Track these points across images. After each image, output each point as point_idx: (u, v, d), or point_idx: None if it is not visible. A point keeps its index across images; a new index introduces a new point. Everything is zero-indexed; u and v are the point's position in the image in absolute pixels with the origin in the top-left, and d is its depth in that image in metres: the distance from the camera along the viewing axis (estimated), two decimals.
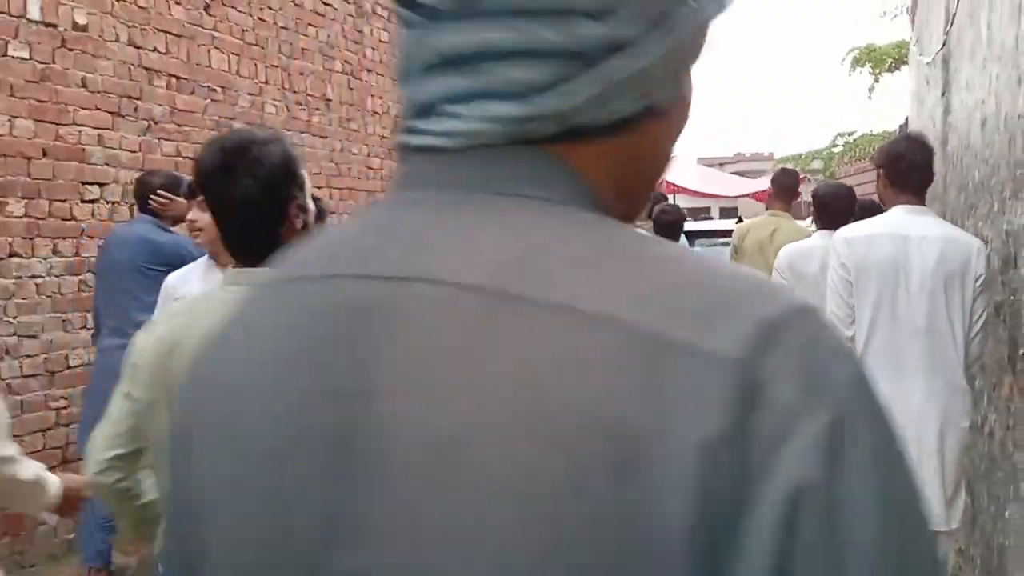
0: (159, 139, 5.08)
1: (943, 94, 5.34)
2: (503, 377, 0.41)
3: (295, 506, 0.45)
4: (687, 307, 0.41)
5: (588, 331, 0.41)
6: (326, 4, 6.84)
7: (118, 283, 3.77)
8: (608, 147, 0.49)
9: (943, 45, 5.25)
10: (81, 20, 4.54)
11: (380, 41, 7.72)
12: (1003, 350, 3.11)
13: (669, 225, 5.32)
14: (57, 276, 4.44)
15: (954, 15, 4.79)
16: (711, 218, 18.90)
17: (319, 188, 6.73)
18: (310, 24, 6.63)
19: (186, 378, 0.55)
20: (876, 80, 13.40)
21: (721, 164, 26.69)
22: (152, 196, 3.83)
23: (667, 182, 17.09)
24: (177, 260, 3.31)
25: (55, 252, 4.43)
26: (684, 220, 5.65)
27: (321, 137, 6.81)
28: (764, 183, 14.26)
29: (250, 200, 1.66)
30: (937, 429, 2.83)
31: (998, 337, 3.22)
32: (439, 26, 0.47)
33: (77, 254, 4.54)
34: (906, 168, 3.06)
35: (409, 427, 0.42)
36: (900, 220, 3.02)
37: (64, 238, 4.47)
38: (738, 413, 0.38)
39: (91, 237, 4.55)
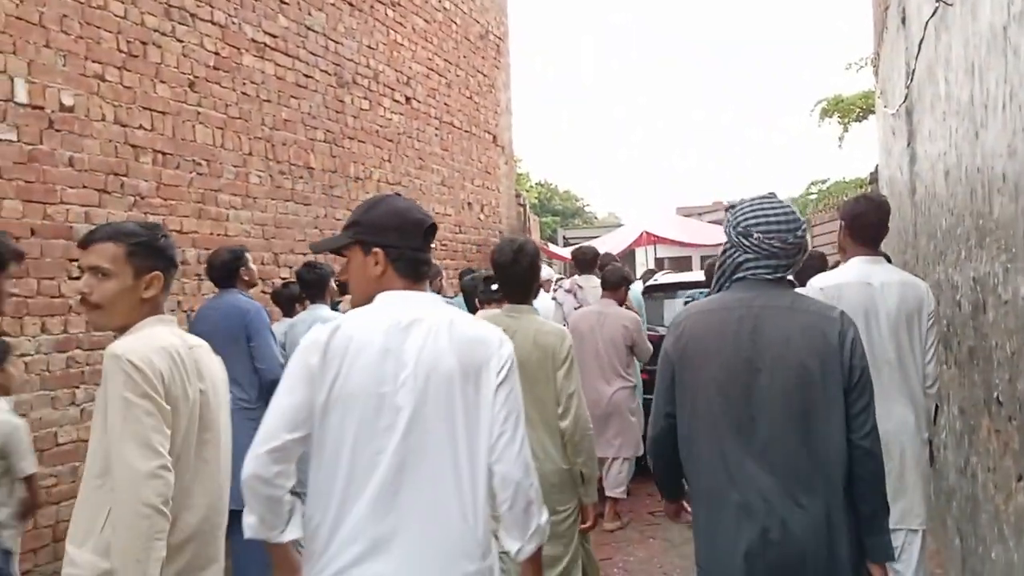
0: (145, 213, 5.16)
1: (908, 144, 5.51)
2: (797, 324, 2.24)
3: (738, 361, 2.25)
4: (824, 306, 2.33)
5: (815, 314, 2.27)
6: (307, 76, 7.00)
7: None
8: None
9: (905, 98, 5.45)
10: (68, 101, 4.64)
11: (361, 109, 7.88)
12: (979, 393, 3.20)
13: (617, 280, 6.20)
14: (46, 354, 4.46)
15: (914, 70, 4.99)
16: (690, 269, 19.07)
17: (303, 254, 6.81)
18: (292, 96, 6.78)
19: (682, 333, 2.36)
20: (845, 129, 13.74)
21: (700, 214, 27.01)
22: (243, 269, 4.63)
23: (647, 233, 17.28)
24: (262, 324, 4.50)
25: (43, 330, 4.46)
26: (630, 277, 6.69)
27: (304, 204, 6.91)
28: None
29: (523, 275, 3.38)
30: (915, 443, 3.34)
31: (973, 381, 3.31)
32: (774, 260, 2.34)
33: (65, 331, 4.57)
34: (865, 225, 3.56)
35: (773, 338, 2.23)
36: (862, 269, 3.49)
37: (52, 315, 4.51)
38: (843, 329, 2.23)
39: (79, 314, 4.59)
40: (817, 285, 3.54)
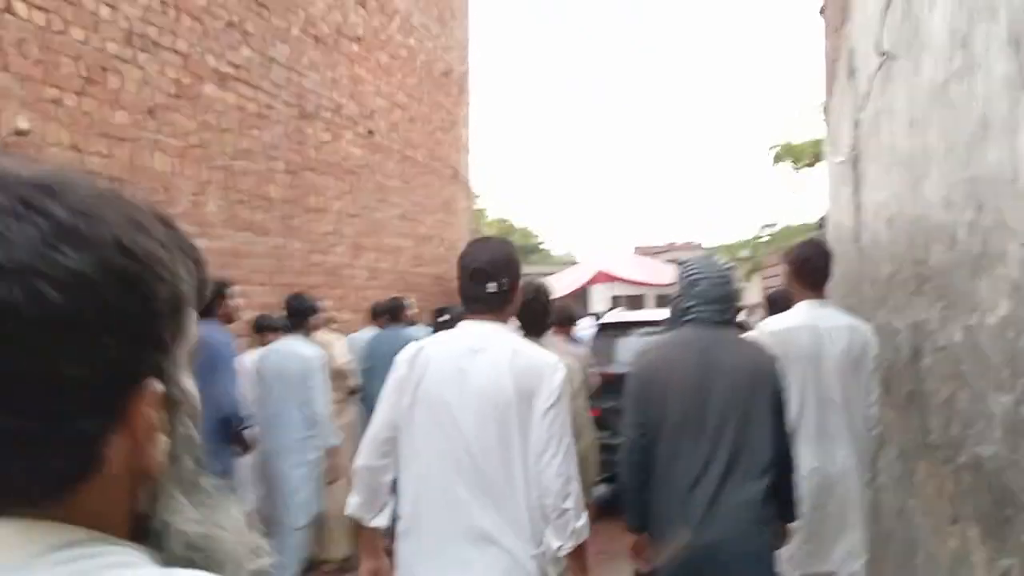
0: None
1: (854, 192, 5.68)
2: (738, 357, 2.89)
3: (692, 387, 2.83)
4: (756, 344, 3.08)
5: (750, 349, 2.98)
6: (269, 107, 7.02)
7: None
8: None
9: (852, 147, 5.62)
10: (23, 126, 4.59)
11: (322, 141, 7.90)
12: (916, 437, 3.29)
13: (565, 318, 6.02)
14: None
15: (860, 120, 5.16)
16: (643, 307, 19.28)
17: (261, 285, 6.75)
18: (253, 126, 6.78)
19: (648, 364, 2.97)
20: (797, 173, 14.09)
21: (655, 253, 27.36)
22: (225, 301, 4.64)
23: (603, 272, 17.42)
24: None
25: None
26: (575, 314, 6.74)
27: (262, 235, 6.88)
28: None
29: (539, 312, 3.86)
30: (858, 485, 3.46)
31: (911, 424, 3.41)
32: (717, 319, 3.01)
33: None
34: (811, 270, 3.69)
35: (722, 366, 2.85)
36: (810, 313, 3.58)
37: None
38: (770, 361, 2.92)
39: None
40: (767, 329, 3.63)
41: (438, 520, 2.32)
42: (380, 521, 2.46)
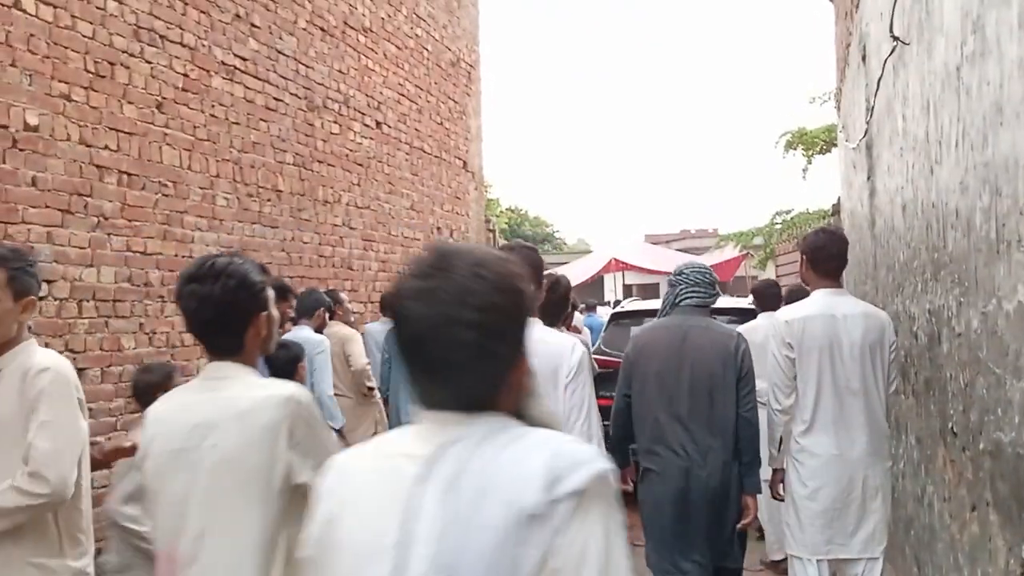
0: (109, 235, 5.11)
1: (868, 178, 5.63)
2: (709, 338, 3.56)
3: (671, 361, 3.56)
4: (726, 328, 3.81)
5: (720, 332, 3.65)
6: (277, 100, 7.00)
7: None
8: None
9: (865, 133, 5.57)
10: (32, 121, 4.60)
11: (331, 133, 7.88)
12: (935, 423, 3.26)
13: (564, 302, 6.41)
14: None
15: (873, 106, 5.11)
16: (657, 295, 19.23)
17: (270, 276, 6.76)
18: (261, 119, 6.77)
19: (637, 344, 3.75)
20: (809, 162, 13.95)
21: (667, 241, 27.29)
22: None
23: (616, 260, 17.38)
24: None
25: None
26: (575, 302, 7.38)
27: (272, 227, 6.88)
28: (709, 259, 14.61)
29: (556, 303, 3.74)
30: (877, 472, 3.49)
31: (929, 411, 3.37)
32: (693, 288, 3.74)
33: None
34: (826, 257, 3.67)
35: (694, 347, 3.53)
36: (826, 301, 3.57)
37: None
38: (737, 343, 3.57)
39: (37, 335, 4.51)
40: (783, 318, 3.64)
41: None
42: None
